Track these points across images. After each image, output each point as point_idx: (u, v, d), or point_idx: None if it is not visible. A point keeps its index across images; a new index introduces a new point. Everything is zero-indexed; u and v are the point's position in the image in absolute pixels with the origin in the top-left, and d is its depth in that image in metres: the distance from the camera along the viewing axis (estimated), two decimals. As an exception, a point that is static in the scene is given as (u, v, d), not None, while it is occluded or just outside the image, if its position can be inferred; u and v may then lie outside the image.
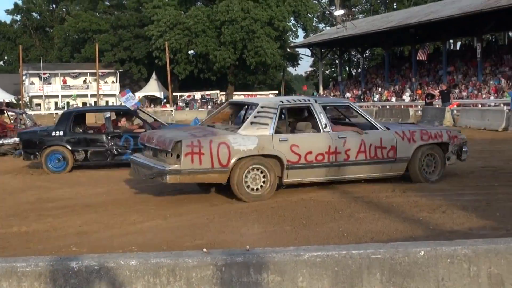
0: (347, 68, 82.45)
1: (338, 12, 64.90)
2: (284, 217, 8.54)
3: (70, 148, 15.06)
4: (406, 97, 48.61)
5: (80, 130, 15.96)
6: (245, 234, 7.72)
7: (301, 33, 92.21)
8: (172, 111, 50.19)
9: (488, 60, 47.86)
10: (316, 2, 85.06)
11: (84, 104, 77.22)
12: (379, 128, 11.25)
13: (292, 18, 79.03)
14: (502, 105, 36.07)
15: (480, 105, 37.40)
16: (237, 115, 12.50)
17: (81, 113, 17.18)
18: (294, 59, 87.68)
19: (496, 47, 54.42)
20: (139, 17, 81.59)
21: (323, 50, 66.52)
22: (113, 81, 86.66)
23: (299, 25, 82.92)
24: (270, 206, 9.40)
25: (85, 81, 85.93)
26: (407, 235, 7.26)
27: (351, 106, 12.47)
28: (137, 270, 3.57)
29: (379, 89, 54.87)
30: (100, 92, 73.31)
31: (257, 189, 10.04)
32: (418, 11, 55.17)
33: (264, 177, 10.09)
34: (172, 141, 9.74)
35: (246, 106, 12.54)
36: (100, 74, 74.97)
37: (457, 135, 11.96)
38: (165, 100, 73.36)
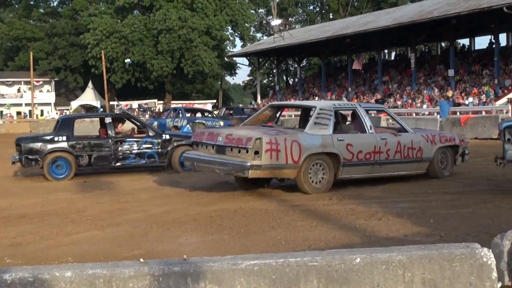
0: (285, 77, 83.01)
1: (275, 22, 65.35)
2: (222, 226, 8.54)
3: (74, 153, 15.05)
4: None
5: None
6: (183, 244, 7.68)
7: (238, 42, 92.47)
8: (108, 120, 49.47)
9: (421, 69, 48.95)
10: (253, 11, 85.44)
11: (19, 113, 75.82)
12: (409, 131, 12.79)
13: (229, 27, 79.14)
14: (435, 113, 36.86)
15: (414, 114, 38.11)
16: (275, 117, 13.70)
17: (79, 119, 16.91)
18: (231, 68, 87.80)
19: (429, 57, 55.65)
20: (75, 25, 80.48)
21: (260, 59, 66.84)
22: (48, 90, 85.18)
23: (236, 34, 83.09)
24: (208, 215, 9.39)
25: (19, 90, 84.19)
26: (344, 243, 7.34)
27: (386, 111, 14.87)
28: (72, 282, 3.51)
29: (316, 98, 55.39)
30: (35, 101, 71.94)
31: (317, 182, 11.19)
32: (354, 22, 55.98)
33: (324, 173, 11.25)
34: (252, 139, 10.61)
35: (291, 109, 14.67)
36: (35, 83, 73.63)
37: (464, 139, 13.76)
38: (101, 109, 72.46)
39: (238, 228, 8.39)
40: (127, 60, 70.37)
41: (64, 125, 15.68)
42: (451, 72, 42.69)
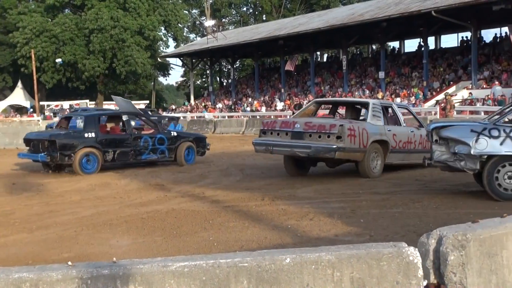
0: (218, 78, 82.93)
1: (209, 23, 65.34)
2: (154, 228, 8.48)
3: (101, 148, 15.93)
4: (280, 105, 49.47)
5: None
6: (114, 246, 7.59)
7: (172, 43, 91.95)
8: (39, 120, 48.67)
9: (353, 71, 49.67)
10: (186, 12, 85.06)
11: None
12: (424, 127, 14.00)
13: (162, 28, 78.52)
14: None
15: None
16: (316, 112, 16.15)
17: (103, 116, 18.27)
18: (165, 68, 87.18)
19: (360, 60, 56.48)
20: (3, 23, 78.47)
21: (194, 60, 66.61)
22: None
23: (169, 34, 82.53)
24: (140, 217, 9.31)
25: None
26: (276, 243, 7.39)
27: (408, 109, 17.16)
28: (-3, 286, 3.43)
29: (249, 99, 55.54)
30: (-38, 101, 70.12)
31: (374, 168, 13.23)
32: (287, 23, 56.33)
33: (378, 159, 13.31)
34: (336, 125, 12.52)
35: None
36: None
37: None
38: (31, 110, 70.96)
39: (170, 229, 8.35)
40: (58, 60, 69.03)
41: (91, 122, 16.28)
42: (381, 74, 43.45)
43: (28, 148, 16.91)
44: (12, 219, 9.44)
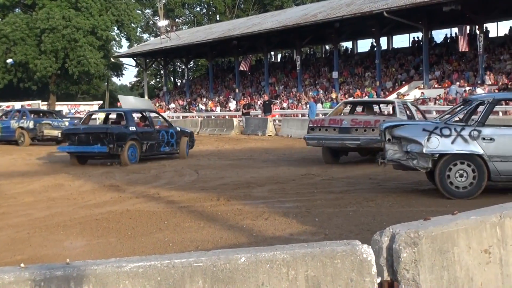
0: (172, 79, 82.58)
1: (162, 23, 64.98)
2: (109, 229, 8.42)
3: (140, 141, 17.95)
4: (233, 105, 49.49)
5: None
6: (68, 248, 7.53)
7: (125, 43, 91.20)
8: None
9: (307, 71, 49.95)
10: (139, 12, 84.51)
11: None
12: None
13: (115, 28, 77.86)
14: (321, 114, 37.69)
15: (300, 115, 38.83)
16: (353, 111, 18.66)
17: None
18: (118, 69, 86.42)
19: (314, 60, 56.83)
20: (-49, 23, 77.07)
21: (147, 60, 66.21)
22: None
23: (122, 34, 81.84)
24: (94, 218, 9.23)
25: None
26: (231, 243, 7.40)
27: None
28: None
29: (204, 99, 55.44)
30: None
31: None
32: (240, 23, 56.38)
33: None
34: (380, 120, 14.60)
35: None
36: None
37: None
38: (-18, 111, 69.76)
39: (125, 230, 8.30)
40: (9, 60, 67.90)
41: (129, 116, 18.56)
42: (335, 74, 43.77)
43: (69, 141, 18.50)
44: (-38, 222, 9.28)
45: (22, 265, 3.62)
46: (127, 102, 40.32)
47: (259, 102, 46.72)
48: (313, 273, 3.71)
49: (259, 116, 37.28)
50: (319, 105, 39.81)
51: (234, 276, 3.62)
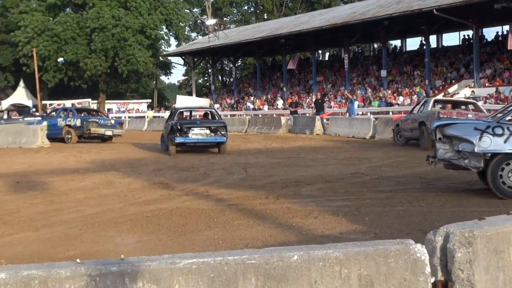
0: (220, 77, 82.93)
1: (210, 22, 65.29)
2: (159, 226, 8.49)
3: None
4: (280, 104, 49.47)
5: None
6: (120, 244, 7.61)
7: (173, 41, 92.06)
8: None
9: (355, 70, 49.65)
10: (188, 11, 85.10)
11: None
12: None
13: (164, 27, 78.47)
14: (369, 113, 37.53)
15: (348, 114, 38.61)
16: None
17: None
18: (166, 67, 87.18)
19: (362, 58, 56.45)
20: (5, 22, 78.42)
21: (195, 59, 66.62)
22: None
23: (171, 33, 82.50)
24: (145, 215, 9.32)
25: None
26: (281, 241, 7.39)
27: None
28: (6, 284, 3.43)
29: (251, 98, 55.55)
30: (-37, 100, 70.13)
31: None
32: (288, 22, 56.33)
33: None
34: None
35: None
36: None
37: None
38: (34, 109, 70.97)
39: (175, 228, 8.36)
40: (60, 59, 68.99)
41: (180, 114, 23.54)
42: (383, 73, 43.46)
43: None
44: (17, 218, 9.46)
45: (77, 260, 3.68)
46: (184, 101, 45.29)
47: (307, 101, 46.63)
48: (366, 272, 3.69)
49: (309, 114, 37.21)
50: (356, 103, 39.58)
51: (287, 274, 3.61)
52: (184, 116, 25.29)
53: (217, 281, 3.55)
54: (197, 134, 20.92)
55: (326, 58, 66.20)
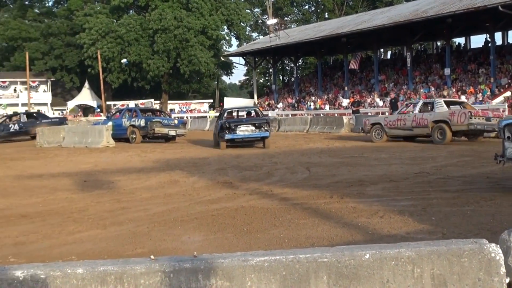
0: (281, 77, 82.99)
1: (271, 21, 65.42)
2: (225, 224, 8.56)
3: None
4: (345, 103, 49.20)
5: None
6: (187, 242, 7.69)
7: (234, 42, 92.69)
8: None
9: (418, 68, 48.97)
10: (249, 11, 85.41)
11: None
12: None
13: (225, 27, 79.03)
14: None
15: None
16: None
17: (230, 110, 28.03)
18: (228, 67, 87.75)
19: (425, 56, 55.66)
20: (70, 25, 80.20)
21: (256, 59, 66.78)
22: (44, 90, 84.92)
23: (232, 34, 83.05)
24: (210, 213, 9.40)
25: (15, 90, 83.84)
26: (347, 240, 7.36)
27: None
28: (84, 278, 3.52)
29: (313, 97, 55.42)
30: (32, 101, 71.95)
31: None
32: (349, 21, 55.99)
33: None
34: None
35: None
36: (31, 83, 73.54)
37: None
38: (98, 109, 72.38)
39: (241, 226, 8.41)
40: (124, 60, 70.20)
41: (228, 113, 26.60)
42: (447, 71, 42.79)
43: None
44: (86, 216, 9.66)
45: (151, 257, 3.75)
46: (231, 102, 52.51)
47: (368, 100, 46.30)
48: (439, 272, 3.66)
49: (371, 113, 36.97)
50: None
51: (359, 272, 3.61)
52: (231, 116, 27.24)
53: (289, 279, 3.58)
54: (243, 130, 23.97)
55: (388, 57, 65.55)
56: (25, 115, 36.87)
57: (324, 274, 3.58)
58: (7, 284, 3.48)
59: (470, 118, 21.87)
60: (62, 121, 36.45)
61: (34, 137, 30.98)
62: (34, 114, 38.09)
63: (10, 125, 34.98)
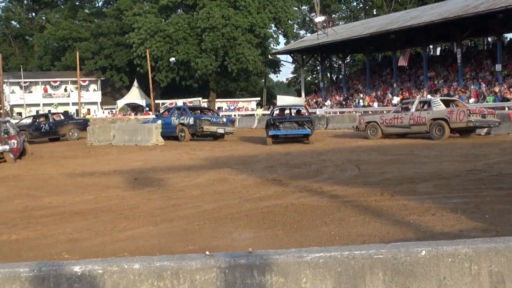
0: (329, 74, 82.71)
1: (319, 19, 65.15)
2: (275, 222, 8.56)
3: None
4: (395, 100, 48.74)
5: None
6: (237, 239, 7.71)
7: (282, 39, 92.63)
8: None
9: (468, 65, 48.26)
10: (296, 8, 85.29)
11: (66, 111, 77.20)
12: None
13: (273, 25, 79.11)
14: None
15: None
16: None
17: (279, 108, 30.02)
18: (275, 65, 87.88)
19: (475, 52, 54.82)
20: (120, 25, 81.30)
21: (304, 57, 66.64)
22: (94, 89, 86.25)
23: (280, 31, 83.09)
24: (260, 211, 9.42)
25: (66, 89, 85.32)
26: (398, 238, 7.29)
27: None
28: (141, 274, 3.56)
29: (361, 94, 55.07)
30: (82, 101, 73.03)
31: None
32: (398, 17, 55.49)
33: None
34: None
35: None
36: (82, 82, 74.65)
37: None
38: (147, 108, 73.14)
39: (291, 223, 8.40)
40: (172, 59, 70.78)
41: (278, 111, 29.09)
42: (498, 67, 42.09)
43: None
44: (137, 213, 9.76)
45: (207, 253, 3.77)
46: (283, 100, 55.37)
47: (418, 97, 45.80)
48: (497, 269, 3.61)
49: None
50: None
51: (415, 269, 3.58)
52: (279, 113, 28.88)
53: (344, 275, 3.56)
54: (286, 127, 25.54)
55: (438, 53, 64.73)
56: (53, 116, 37.96)
57: (379, 270, 3.56)
58: (66, 279, 3.54)
59: (469, 116, 23.26)
60: (86, 122, 37.49)
61: (61, 137, 35.43)
62: (61, 115, 39.09)
63: (41, 125, 36.14)
